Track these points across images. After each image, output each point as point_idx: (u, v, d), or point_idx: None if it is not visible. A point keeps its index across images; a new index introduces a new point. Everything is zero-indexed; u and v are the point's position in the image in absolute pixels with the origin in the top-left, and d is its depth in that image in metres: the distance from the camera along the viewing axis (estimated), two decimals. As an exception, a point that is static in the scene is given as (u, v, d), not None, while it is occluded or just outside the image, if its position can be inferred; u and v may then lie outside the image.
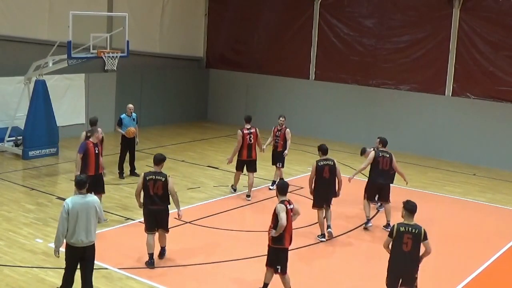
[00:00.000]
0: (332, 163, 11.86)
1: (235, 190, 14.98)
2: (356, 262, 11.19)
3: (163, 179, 10.28)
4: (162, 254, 10.69)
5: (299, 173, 16.70)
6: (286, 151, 14.98)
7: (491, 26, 19.11)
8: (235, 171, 14.82)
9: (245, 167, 14.64)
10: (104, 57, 16.38)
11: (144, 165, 16.92)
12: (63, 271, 9.49)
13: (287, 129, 14.99)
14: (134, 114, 15.78)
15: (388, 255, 8.48)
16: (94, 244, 8.62)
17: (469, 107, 19.60)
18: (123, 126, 15.54)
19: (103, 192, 12.36)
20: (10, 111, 18.04)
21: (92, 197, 8.68)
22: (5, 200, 13.45)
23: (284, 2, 23.23)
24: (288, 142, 14.96)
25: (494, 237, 12.76)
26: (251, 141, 14.48)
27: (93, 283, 8.70)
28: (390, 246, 8.40)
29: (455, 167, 18.79)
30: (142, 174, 10.41)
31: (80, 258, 8.56)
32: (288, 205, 9.14)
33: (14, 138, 17.75)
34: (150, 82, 22.74)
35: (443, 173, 18.06)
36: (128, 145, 15.74)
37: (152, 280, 9.75)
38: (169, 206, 10.37)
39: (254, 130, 14.60)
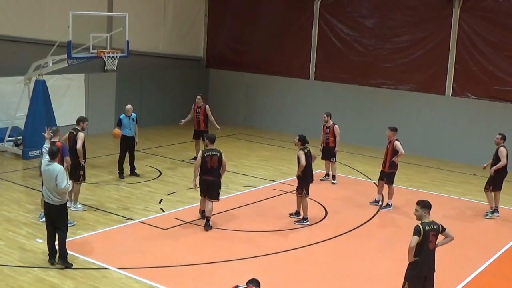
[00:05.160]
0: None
1: None
2: (356, 262, 11.18)
3: (218, 154, 12.26)
4: (207, 225, 12.22)
5: (299, 173, 16.66)
6: (336, 147, 15.99)
7: (491, 26, 19.11)
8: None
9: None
10: (104, 57, 16.38)
11: (144, 165, 16.93)
12: (63, 271, 9.65)
13: (335, 126, 16.06)
14: (133, 114, 15.78)
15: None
16: (58, 206, 9.93)
17: (469, 107, 19.60)
18: (122, 126, 15.56)
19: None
20: (10, 111, 18.04)
21: (55, 166, 9.90)
22: (5, 200, 13.46)
23: (284, 2, 23.23)
24: (338, 138, 16.03)
25: (494, 237, 12.77)
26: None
27: (66, 245, 10.05)
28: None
29: (455, 167, 18.79)
30: (200, 152, 12.47)
31: (49, 215, 10.04)
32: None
33: (14, 138, 17.75)
34: (150, 82, 22.73)
35: (443, 173, 18.06)
36: (127, 145, 15.73)
37: (152, 280, 9.75)
38: (221, 179, 12.29)
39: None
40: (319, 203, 14.24)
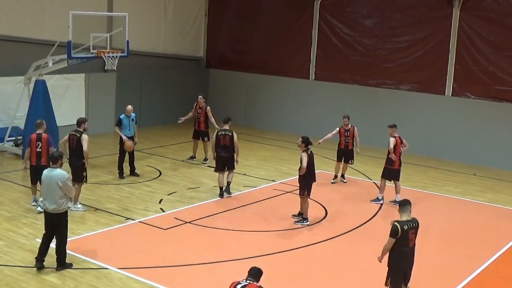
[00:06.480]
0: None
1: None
2: (356, 262, 11.18)
3: (230, 133, 14.02)
4: (227, 188, 14.29)
5: (299, 173, 16.66)
6: (358, 149, 16.16)
7: (491, 26, 19.11)
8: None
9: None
10: (104, 57, 16.37)
11: (144, 165, 16.93)
12: (63, 271, 9.78)
13: (355, 128, 16.14)
14: (133, 114, 15.80)
15: (384, 256, 8.55)
16: (60, 213, 9.74)
17: (469, 107, 19.60)
18: (122, 126, 15.57)
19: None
20: (10, 111, 18.04)
21: (57, 171, 9.78)
22: (5, 200, 13.45)
23: (284, 2, 23.23)
24: (358, 139, 16.14)
25: (494, 237, 12.76)
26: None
27: (66, 251, 9.95)
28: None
29: (455, 167, 18.79)
30: (216, 131, 14.30)
31: (50, 222, 9.78)
32: None
33: (14, 138, 17.74)
34: (150, 82, 22.73)
35: (443, 173, 18.06)
36: (127, 146, 15.73)
37: (152, 280, 9.75)
38: (234, 154, 14.05)
39: None
40: (319, 203, 14.24)
